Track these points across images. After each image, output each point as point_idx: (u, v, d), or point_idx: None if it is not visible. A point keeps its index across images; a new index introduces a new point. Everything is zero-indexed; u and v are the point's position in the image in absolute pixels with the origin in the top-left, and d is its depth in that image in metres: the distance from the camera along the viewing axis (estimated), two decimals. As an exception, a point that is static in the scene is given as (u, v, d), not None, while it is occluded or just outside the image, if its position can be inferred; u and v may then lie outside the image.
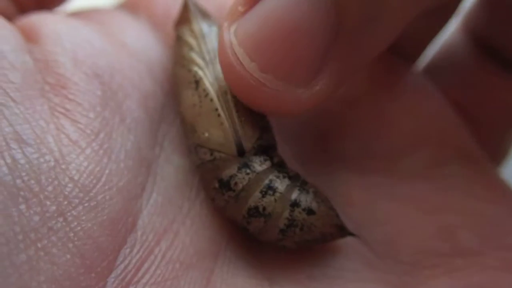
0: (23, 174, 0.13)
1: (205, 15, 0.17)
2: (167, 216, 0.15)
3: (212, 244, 0.15)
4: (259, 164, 0.15)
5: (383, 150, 0.17)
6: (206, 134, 0.15)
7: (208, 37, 0.16)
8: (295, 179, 0.15)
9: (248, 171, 0.15)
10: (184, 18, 0.17)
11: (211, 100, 0.15)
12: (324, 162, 0.17)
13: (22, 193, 0.13)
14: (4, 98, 0.14)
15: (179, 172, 0.16)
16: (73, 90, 0.15)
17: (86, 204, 0.14)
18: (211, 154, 0.15)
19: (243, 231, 0.15)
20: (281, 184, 0.15)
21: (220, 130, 0.15)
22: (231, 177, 0.15)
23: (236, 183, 0.15)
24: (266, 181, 0.15)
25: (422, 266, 0.16)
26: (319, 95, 0.14)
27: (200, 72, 0.16)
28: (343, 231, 0.15)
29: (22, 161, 0.13)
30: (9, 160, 0.13)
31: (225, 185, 0.15)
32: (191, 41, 0.16)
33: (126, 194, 0.14)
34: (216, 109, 0.15)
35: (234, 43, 0.14)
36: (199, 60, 0.16)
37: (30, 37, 0.15)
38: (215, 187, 0.15)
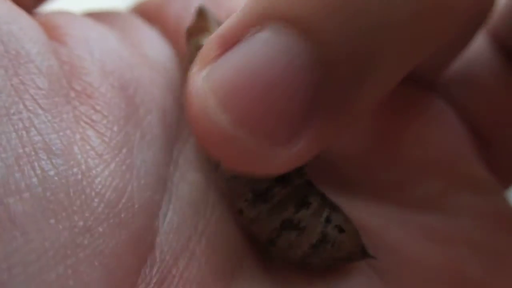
0: (53, 186, 0.13)
1: (220, 24, 0.17)
2: (183, 235, 0.15)
3: (228, 263, 0.15)
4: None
5: (394, 178, 0.17)
6: None
7: None
8: (324, 198, 0.15)
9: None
10: (201, 28, 0.17)
11: None
12: (334, 188, 0.17)
13: (52, 206, 0.12)
14: (33, 105, 0.13)
15: (193, 190, 0.16)
16: (100, 101, 0.14)
17: (111, 221, 0.13)
18: None
19: (266, 248, 0.15)
20: (315, 200, 0.15)
21: None
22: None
23: (273, 195, 0.14)
24: (301, 196, 0.15)
25: None
26: (298, 156, 0.12)
27: None
28: (365, 252, 0.15)
29: (52, 173, 0.13)
30: (39, 171, 0.13)
31: (260, 196, 0.15)
32: None
33: (146, 212, 0.14)
34: None
35: (205, 90, 0.12)
36: None
37: (54, 35, 0.15)
38: (247, 199, 0.15)
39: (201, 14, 0.17)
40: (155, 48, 0.17)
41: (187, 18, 0.18)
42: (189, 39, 0.17)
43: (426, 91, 0.19)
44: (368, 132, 0.18)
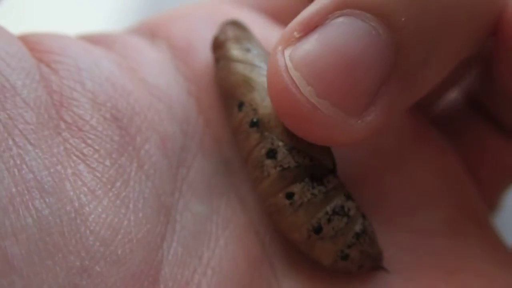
0: (48, 226, 0.12)
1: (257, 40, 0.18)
2: (187, 267, 0.14)
3: None
4: (338, 177, 0.16)
5: (401, 202, 0.17)
6: (307, 142, 0.15)
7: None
8: None
9: (335, 175, 0.15)
10: (244, 37, 0.17)
11: None
12: None
13: (48, 247, 0.12)
14: (22, 141, 0.13)
15: (197, 219, 0.15)
16: (91, 134, 0.14)
17: (108, 259, 0.13)
18: (311, 160, 0.15)
19: (308, 238, 0.15)
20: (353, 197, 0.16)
21: None
22: (323, 175, 0.15)
23: (328, 181, 0.15)
24: (346, 189, 0.15)
25: None
26: (369, 127, 0.14)
27: None
28: (382, 260, 0.16)
29: (46, 212, 0.12)
30: (33, 211, 0.12)
31: (318, 180, 0.15)
32: (264, 56, 0.17)
33: (147, 245, 0.14)
34: None
35: (289, 66, 0.14)
36: None
37: (45, 61, 0.14)
38: (304, 181, 0.15)
39: (238, 24, 0.17)
40: (156, 71, 0.16)
41: (194, 34, 0.18)
42: (219, 45, 0.17)
43: (424, 121, 0.19)
44: (382, 153, 0.18)
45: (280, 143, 0.15)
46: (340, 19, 0.14)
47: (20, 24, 0.16)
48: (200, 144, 0.16)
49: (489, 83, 0.19)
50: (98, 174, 0.14)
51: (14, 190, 0.12)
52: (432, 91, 0.17)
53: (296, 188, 0.15)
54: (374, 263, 0.16)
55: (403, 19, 0.14)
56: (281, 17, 0.20)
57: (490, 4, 0.15)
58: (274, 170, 0.15)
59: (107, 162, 0.14)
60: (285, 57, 0.14)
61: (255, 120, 0.15)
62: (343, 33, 0.14)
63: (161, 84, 0.16)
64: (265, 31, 0.18)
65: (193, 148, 0.16)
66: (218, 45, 0.17)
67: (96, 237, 0.13)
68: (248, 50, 0.17)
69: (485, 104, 0.20)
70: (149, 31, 0.18)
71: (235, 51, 0.17)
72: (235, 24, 0.17)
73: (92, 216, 0.13)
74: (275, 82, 0.14)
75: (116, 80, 0.15)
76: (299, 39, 0.14)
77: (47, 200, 0.12)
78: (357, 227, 0.15)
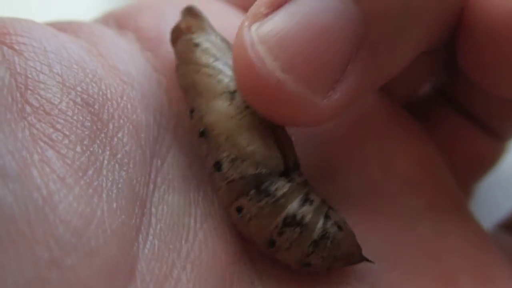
0: (11, 213, 0.11)
1: (213, 28, 0.16)
2: (166, 261, 0.13)
3: None
4: (297, 176, 0.15)
5: (386, 190, 0.17)
6: (251, 147, 0.14)
7: (228, 48, 0.16)
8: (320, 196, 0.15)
9: (288, 179, 0.14)
10: (194, 27, 0.16)
11: (253, 113, 0.14)
12: (329, 199, 0.16)
13: (11, 237, 0.11)
14: None
15: (174, 211, 0.14)
16: (60, 119, 0.13)
17: (80, 250, 0.12)
18: (256, 168, 0.14)
19: (267, 248, 0.14)
20: (316, 197, 0.15)
21: (267, 144, 0.14)
22: (270, 183, 0.14)
23: (276, 189, 0.14)
24: (303, 193, 0.14)
25: None
26: (335, 106, 0.14)
27: (233, 84, 0.15)
28: (361, 255, 0.15)
29: (9, 199, 0.11)
30: None
31: (264, 191, 0.14)
32: (214, 51, 0.16)
33: (122, 237, 0.13)
34: (261, 123, 0.14)
35: (255, 41, 0.13)
36: (229, 72, 0.15)
37: (8, 43, 0.13)
38: (249, 194, 0.14)
39: (193, 12, 0.16)
40: (126, 59, 0.16)
41: (163, 25, 0.17)
42: (176, 39, 0.16)
43: (407, 110, 0.19)
44: (363, 143, 0.17)
45: (224, 154, 0.14)
46: None
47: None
48: (174, 136, 0.16)
49: (456, 73, 0.18)
50: (68, 161, 0.13)
51: None
52: (406, 85, 0.17)
53: (243, 202, 0.14)
54: (347, 261, 0.15)
55: None
56: None
57: None
58: (222, 183, 0.15)
59: (78, 149, 0.13)
60: (252, 31, 0.13)
61: (201, 129, 0.15)
62: (310, 6, 0.13)
63: (133, 72, 0.16)
64: (234, 23, 0.18)
65: (167, 139, 0.15)
66: (172, 41, 0.16)
67: (67, 227, 0.12)
68: (196, 45, 0.16)
69: (455, 94, 0.20)
70: (116, 22, 0.17)
71: (184, 48, 0.16)
72: (190, 12, 0.16)
73: (62, 204, 0.12)
74: (240, 57, 0.13)
75: (86, 65, 0.14)
76: (266, 15, 0.14)
77: (10, 186, 0.11)
78: (315, 234, 0.14)
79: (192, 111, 0.15)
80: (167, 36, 0.16)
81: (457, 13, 0.16)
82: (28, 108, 0.13)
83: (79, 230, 0.12)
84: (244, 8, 0.19)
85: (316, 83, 0.13)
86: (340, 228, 0.15)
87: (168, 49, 0.16)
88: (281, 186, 0.14)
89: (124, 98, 0.15)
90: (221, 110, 0.15)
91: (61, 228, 0.12)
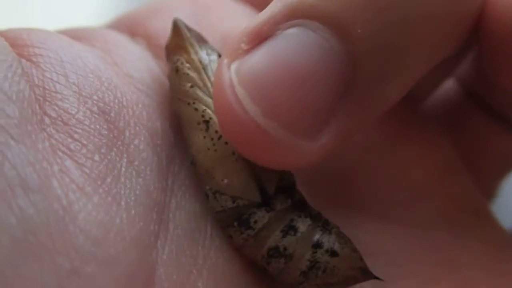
0: (33, 226, 0.11)
1: (200, 40, 0.16)
2: (183, 268, 0.14)
3: None
4: (280, 203, 0.14)
5: (396, 197, 0.17)
6: (226, 181, 0.14)
7: (209, 68, 0.15)
8: (317, 219, 0.14)
9: (268, 209, 0.14)
10: (177, 46, 0.16)
11: (226, 143, 0.14)
12: (341, 208, 0.16)
13: (34, 249, 0.11)
14: (4, 137, 0.12)
15: (191, 218, 0.14)
16: (77, 128, 0.13)
17: (99, 259, 0.12)
18: (234, 202, 0.14)
19: (263, 271, 0.14)
20: (302, 224, 0.14)
21: (241, 175, 0.14)
22: (250, 215, 0.14)
23: (256, 221, 0.14)
24: (287, 220, 0.14)
25: None
26: (323, 149, 0.13)
27: (209, 111, 0.15)
28: (367, 274, 0.14)
29: (31, 211, 0.11)
30: (16, 210, 0.11)
31: (244, 223, 0.14)
32: (192, 74, 0.15)
33: (140, 244, 0.13)
34: (234, 153, 0.14)
35: (235, 82, 0.12)
36: (205, 98, 0.15)
37: (25, 55, 0.14)
38: (233, 225, 0.14)
39: (177, 31, 0.16)
40: (141, 67, 0.16)
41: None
42: (168, 57, 0.16)
43: (418, 112, 0.19)
44: (375, 150, 0.17)
45: (207, 187, 0.14)
46: (290, 30, 0.12)
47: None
48: None
49: (483, 74, 0.18)
50: (86, 170, 0.13)
51: None
52: (425, 82, 0.17)
53: (230, 231, 0.14)
54: (347, 283, 0.14)
55: (359, 30, 0.12)
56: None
57: (456, 10, 0.14)
58: (212, 213, 0.15)
59: (96, 158, 0.13)
60: (231, 71, 0.13)
61: (190, 159, 0.15)
62: (292, 45, 0.12)
63: (147, 79, 0.16)
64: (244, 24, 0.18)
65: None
66: (167, 58, 0.16)
67: (87, 236, 0.12)
68: (176, 71, 0.15)
69: (480, 92, 0.19)
70: (127, 29, 0.17)
71: (168, 74, 0.16)
72: (174, 29, 0.16)
73: (82, 214, 0.12)
74: (219, 99, 0.13)
75: (101, 74, 0.14)
76: (247, 51, 0.13)
77: (32, 198, 0.12)
78: (303, 265, 0.14)
79: (184, 139, 0.15)
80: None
81: (462, 33, 0.15)
82: (47, 120, 0.13)
83: (98, 238, 0.12)
84: (258, 5, 0.19)
85: (301, 128, 0.12)
86: (334, 254, 0.14)
87: None
88: (261, 217, 0.14)
89: (140, 105, 0.15)
90: (198, 143, 0.15)
91: (81, 237, 0.12)
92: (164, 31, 0.17)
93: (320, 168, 0.16)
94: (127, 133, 0.14)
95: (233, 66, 0.13)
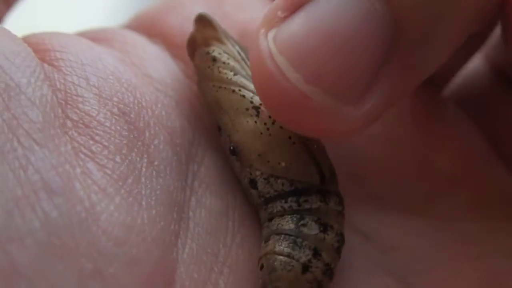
0: (57, 228, 0.12)
1: (228, 35, 0.16)
2: (204, 266, 0.14)
3: None
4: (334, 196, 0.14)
5: (422, 190, 0.16)
6: (283, 164, 0.14)
7: (246, 61, 0.15)
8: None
9: (322, 199, 0.14)
10: (210, 37, 0.16)
11: (281, 127, 0.14)
12: (362, 201, 0.16)
13: (57, 251, 0.11)
14: (28, 141, 0.12)
15: (212, 215, 0.15)
16: (98, 130, 0.13)
17: (122, 260, 0.12)
18: (291, 185, 0.14)
19: None
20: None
21: (299, 158, 0.14)
22: (305, 199, 0.14)
23: (306, 201, 0.14)
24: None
25: None
26: (367, 116, 0.13)
27: (258, 98, 0.15)
28: None
29: (54, 214, 0.12)
30: (40, 213, 0.12)
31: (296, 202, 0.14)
32: (232, 63, 0.15)
33: (161, 244, 0.13)
34: (290, 137, 0.14)
35: (273, 51, 0.12)
36: (251, 85, 0.15)
37: (47, 60, 0.14)
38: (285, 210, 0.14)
39: (204, 22, 0.16)
40: (159, 66, 0.16)
41: (189, 29, 0.16)
42: (193, 52, 0.16)
43: (441, 99, 0.18)
44: (397, 142, 0.17)
45: (257, 172, 0.14)
46: None
47: (18, 27, 0.15)
48: (210, 139, 0.16)
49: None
50: (108, 172, 0.13)
51: (20, 192, 0.12)
52: (447, 64, 0.17)
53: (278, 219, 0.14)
54: None
55: None
56: None
57: None
58: (259, 200, 0.15)
59: (117, 159, 0.13)
60: (269, 40, 0.12)
61: (231, 148, 0.15)
62: (332, 8, 0.12)
63: (166, 79, 0.16)
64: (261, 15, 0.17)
65: (203, 142, 0.16)
66: (189, 54, 0.16)
67: (109, 237, 0.12)
68: (214, 60, 0.15)
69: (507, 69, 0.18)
70: (145, 29, 0.17)
71: (202, 64, 0.16)
72: (202, 22, 0.16)
73: (104, 215, 0.12)
74: (258, 70, 0.13)
75: (121, 75, 0.15)
76: (284, 19, 0.12)
77: (55, 201, 0.12)
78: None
79: (219, 129, 0.15)
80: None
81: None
82: (69, 123, 0.13)
83: (120, 239, 0.12)
84: None
85: (344, 93, 0.12)
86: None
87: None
88: (314, 202, 0.14)
89: (159, 105, 0.15)
90: (248, 128, 0.14)
91: (103, 238, 0.12)
92: (180, 29, 0.17)
93: (341, 161, 0.16)
94: (147, 134, 0.14)
95: (270, 35, 0.12)
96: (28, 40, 0.14)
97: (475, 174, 0.17)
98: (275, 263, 0.13)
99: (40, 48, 0.14)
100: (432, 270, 0.15)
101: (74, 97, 0.14)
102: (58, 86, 0.13)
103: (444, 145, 0.17)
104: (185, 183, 0.15)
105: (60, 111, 0.13)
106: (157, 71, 0.16)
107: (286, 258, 0.13)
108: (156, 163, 0.14)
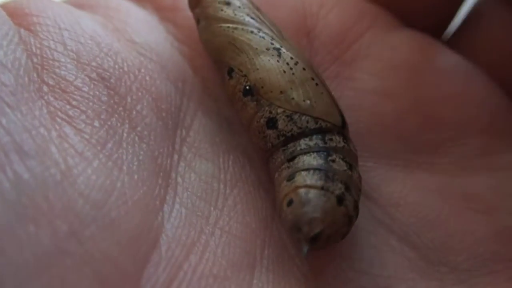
0: (29, 190, 0.11)
1: None
2: (193, 228, 0.13)
3: (247, 254, 0.13)
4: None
5: (426, 141, 0.16)
6: (308, 102, 0.14)
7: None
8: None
9: (344, 140, 0.14)
10: None
11: (304, 69, 0.15)
12: (364, 158, 0.15)
13: (29, 212, 0.11)
14: None
15: (202, 178, 0.14)
16: (76, 95, 0.13)
17: (99, 222, 0.12)
18: (316, 123, 0.14)
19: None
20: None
21: (323, 99, 0.14)
22: (330, 138, 0.14)
23: (331, 139, 0.14)
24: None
25: (481, 273, 0.14)
26: None
27: (276, 43, 0.15)
28: None
29: (26, 176, 0.11)
30: (11, 175, 0.11)
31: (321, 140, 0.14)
32: (247, 10, 0.15)
33: (144, 208, 0.13)
34: (313, 79, 0.15)
35: None
36: (268, 30, 0.15)
37: (24, 24, 0.14)
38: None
39: None
40: (144, 31, 0.16)
41: None
42: (197, 2, 0.16)
43: (440, 46, 0.17)
44: (396, 95, 0.16)
45: (279, 110, 0.14)
46: None
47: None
48: (199, 102, 0.15)
49: None
50: (86, 136, 0.13)
51: None
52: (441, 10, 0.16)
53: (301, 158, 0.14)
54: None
55: None
56: None
57: None
58: (277, 140, 0.14)
59: (96, 123, 0.13)
60: None
61: (247, 87, 0.15)
62: None
63: (151, 44, 0.15)
64: None
65: (191, 107, 0.15)
66: (191, 5, 0.16)
67: (86, 200, 0.12)
68: (227, 4, 0.15)
69: None
70: None
71: (213, 8, 0.15)
72: None
73: (81, 178, 0.12)
74: None
75: (100, 39, 0.14)
76: None
77: (27, 163, 0.12)
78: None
79: (230, 71, 0.15)
80: (183, 2, 0.16)
81: None
82: (45, 87, 0.13)
83: (98, 202, 0.12)
84: None
85: None
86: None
87: (186, 15, 0.16)
88: (338, 141, 0.14)
89: (142, 70, 0.15)
90: (270, 66, 0.15)
91: (80, 201, 0.12)
92: None
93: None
94: (128, 99, 0.14)
95: None
96: (7, 6, 0.14)
97: (483, 121, 0.16)
98: (309, 195, 0.13)
99: (18, 12, 0.14)
100: (436, 227, 0.15)
101: (51, 61, 0.13)
102: (34, 51, 0.13)
103: (449, 96, 0.16)
104: (172, 148, 0.14)
105: (35, 75, 0.13)
106: (141, 36, 0.15)
107: (320, 190, 0.13)
108: (138, 128, 0.14)
